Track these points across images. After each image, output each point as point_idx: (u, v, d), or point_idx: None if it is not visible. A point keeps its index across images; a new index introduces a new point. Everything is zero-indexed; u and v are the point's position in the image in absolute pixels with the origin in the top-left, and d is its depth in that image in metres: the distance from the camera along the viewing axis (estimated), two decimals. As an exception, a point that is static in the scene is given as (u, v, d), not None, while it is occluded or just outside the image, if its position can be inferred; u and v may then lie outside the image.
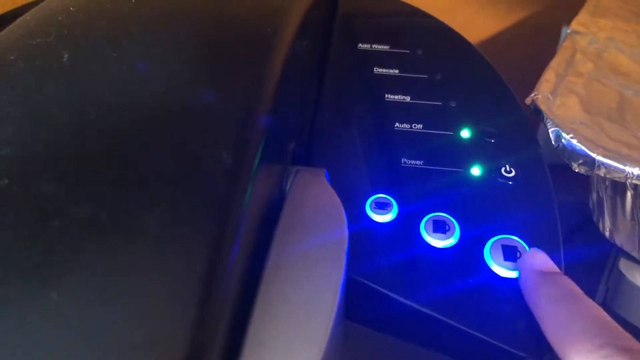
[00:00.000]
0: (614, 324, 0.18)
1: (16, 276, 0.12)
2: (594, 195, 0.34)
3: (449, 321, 0.20)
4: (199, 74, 0.17)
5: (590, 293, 0.37)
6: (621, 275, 0.32)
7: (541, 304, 0.20)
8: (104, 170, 0.14)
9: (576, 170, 0.27)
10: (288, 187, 0.21)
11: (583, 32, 0.40)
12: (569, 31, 0.40)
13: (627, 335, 0.18)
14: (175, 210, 0.13)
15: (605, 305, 0.35)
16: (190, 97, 0.16)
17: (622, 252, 0.33)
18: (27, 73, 0.16)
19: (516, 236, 0.23)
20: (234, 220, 0.14)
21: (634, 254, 0.32)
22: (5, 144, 0.14)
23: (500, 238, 0.22)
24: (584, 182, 0.36)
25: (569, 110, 0.29)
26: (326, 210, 0.19)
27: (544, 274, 0.21)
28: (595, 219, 0.35)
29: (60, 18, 0.19)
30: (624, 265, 0.32)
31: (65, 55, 0.18)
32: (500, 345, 0.20)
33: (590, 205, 0.36)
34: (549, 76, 0.32)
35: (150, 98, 0.16)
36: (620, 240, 0.32)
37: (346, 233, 0.18)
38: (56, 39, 0.18)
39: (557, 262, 0.23)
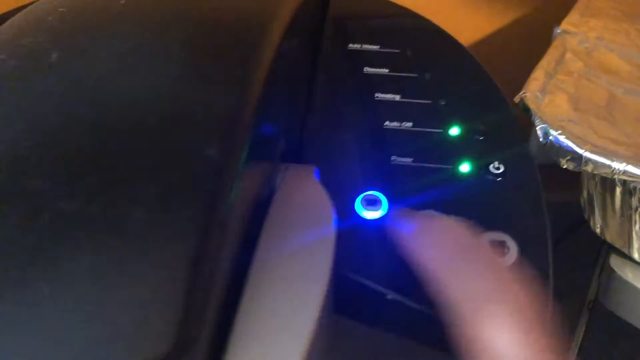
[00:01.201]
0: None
1: (8, 268, 0.12)
2: (585, 193, 0.35)
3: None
4: (186, 72, 0.17)
5: (583, 290, 0.38)
6: (612, 271, 0.32)
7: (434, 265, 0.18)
8: (91, 166, 0.14)
9: (564, 167, 0.27)
10: (277, 183, 0.21)
11: (573, 32, 0.40)
12: (559, 31, 0.40)
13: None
14: (161, 204, 0.13)
15: (598, 302, 0.35)
16: (177, 95, 0.16)
17: (612, 249, 0.33)
18: (16, 72, 0.17)
19: (504, 232, 0.23)
20: (220, 214, 0.15)
21: (624, 250, 0.32)
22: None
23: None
24: (575, 182, 0.37)
25: (557, 108, 0.29)
26: (314, 207, 0.20)
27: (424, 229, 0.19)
28: (586, 216, 0.35)
29: (50, 19, 0.20)
30: (614, 261, 0.32)
31: (54, 55, 0.18)
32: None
33: (582, 203, 0.36)
34: (537, 75, 0.33)
35: (137, 96, 0.16)
36: (610, 236, 0.33)
37: (334, 230, 0.19)
38: (45, 39, 0.19)
39: (546, 260, 0.23)
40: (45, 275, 0.12)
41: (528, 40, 0.60)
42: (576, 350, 0.38)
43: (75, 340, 0.12)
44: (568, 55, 0.37)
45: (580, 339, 0.38)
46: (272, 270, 0.17)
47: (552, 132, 0.26)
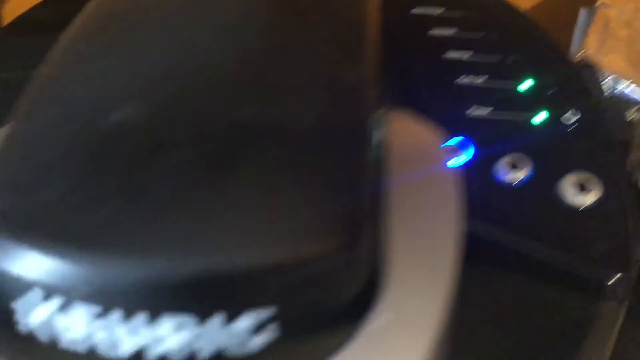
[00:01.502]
0: None
1: (195, 168, 0.13)
2: (635, 154, 0.36)
3: (536, 247, 0.22)
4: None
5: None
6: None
7: None
8: (256, 82, 0.15)
9: (629, 119, 0.28)
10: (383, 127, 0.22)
11: (610, 5, 0.41)
12: (598, 4, 0.41)
13: None
14: (331, 110, 0.15)
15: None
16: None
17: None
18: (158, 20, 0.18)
19: (588, 171, 0.24)
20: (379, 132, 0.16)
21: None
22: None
23: (573, 174, 0.24)
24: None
25: (616, 65, 0.30)
26: (431, 147, 0.20)
27: None
28: (635, 177, 0.36)
29: None
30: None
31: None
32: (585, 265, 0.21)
33: (629, 167, 0.37)
34: (591, 39, 0.34)
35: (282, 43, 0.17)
36: (663, 192, 0.34)
37: (456, 167, 0.19)
38: None
39: (626, 198, 0.24)
40: (228, 172, 0.13)
41: (555, 22, 0.62)
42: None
43: (253, 231, 0.13)
44: (612, 25, 0.38)
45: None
46: (406, 207, 0.18)
47: (621, 83, 0.27)
